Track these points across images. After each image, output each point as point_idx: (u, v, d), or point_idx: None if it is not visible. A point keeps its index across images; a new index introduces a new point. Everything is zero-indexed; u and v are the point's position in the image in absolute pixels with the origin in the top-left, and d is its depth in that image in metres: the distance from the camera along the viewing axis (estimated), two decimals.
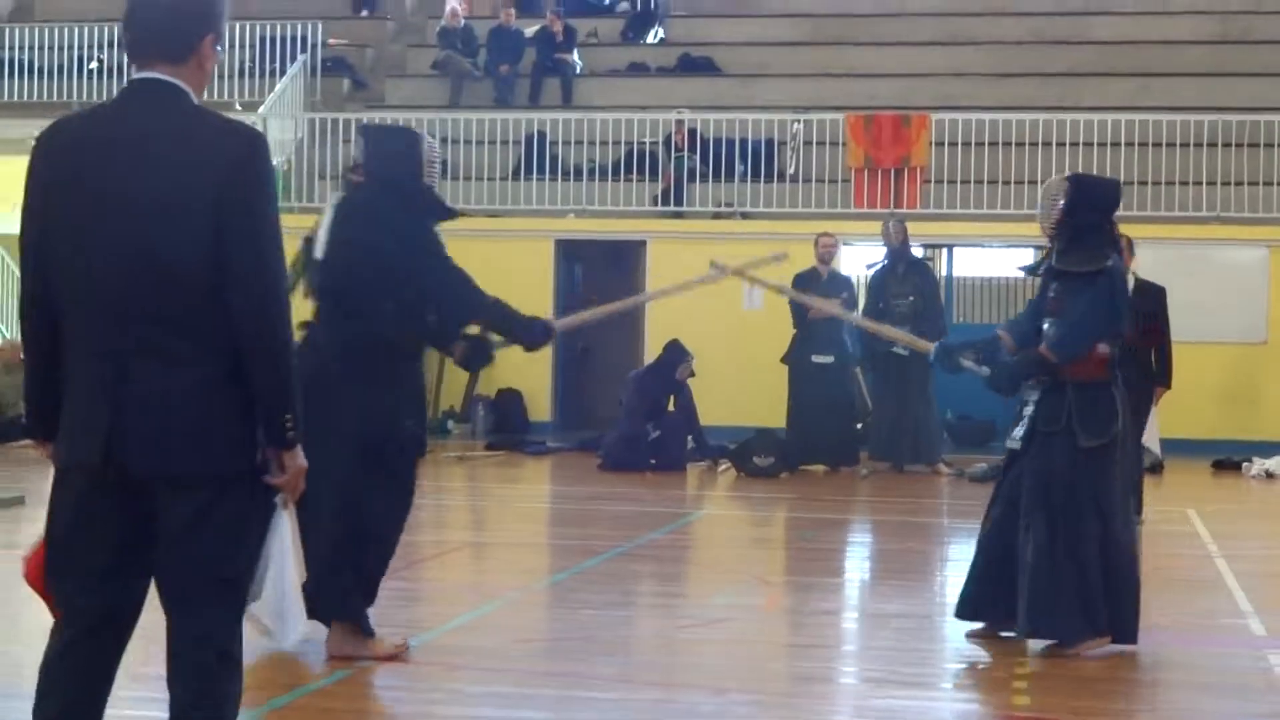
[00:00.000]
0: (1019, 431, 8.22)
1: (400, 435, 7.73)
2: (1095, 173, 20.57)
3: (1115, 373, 8.20)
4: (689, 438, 17.24)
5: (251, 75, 24.14)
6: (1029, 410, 8.20)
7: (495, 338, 8.19)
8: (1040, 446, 8.12)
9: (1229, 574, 10.73)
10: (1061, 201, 8.17)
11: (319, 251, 7.73)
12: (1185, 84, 22.75)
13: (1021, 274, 13.94)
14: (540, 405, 21.15)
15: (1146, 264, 19.94)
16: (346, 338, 7.55)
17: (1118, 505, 8.13)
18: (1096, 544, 8.00)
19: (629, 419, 17.13)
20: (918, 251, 18.96)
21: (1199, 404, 19.63)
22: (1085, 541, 7.98)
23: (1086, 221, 8.16)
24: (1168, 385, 13.20)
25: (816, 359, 16.89)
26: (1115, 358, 8.20)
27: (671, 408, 17.28)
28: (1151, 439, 13.74)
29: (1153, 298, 13.24)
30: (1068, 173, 8.80)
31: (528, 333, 8.20)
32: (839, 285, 17.15)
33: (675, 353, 17.38)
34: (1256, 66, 23.10)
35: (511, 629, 8.71)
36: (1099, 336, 8.11)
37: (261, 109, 21.96)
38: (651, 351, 19.63)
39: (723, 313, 19.39)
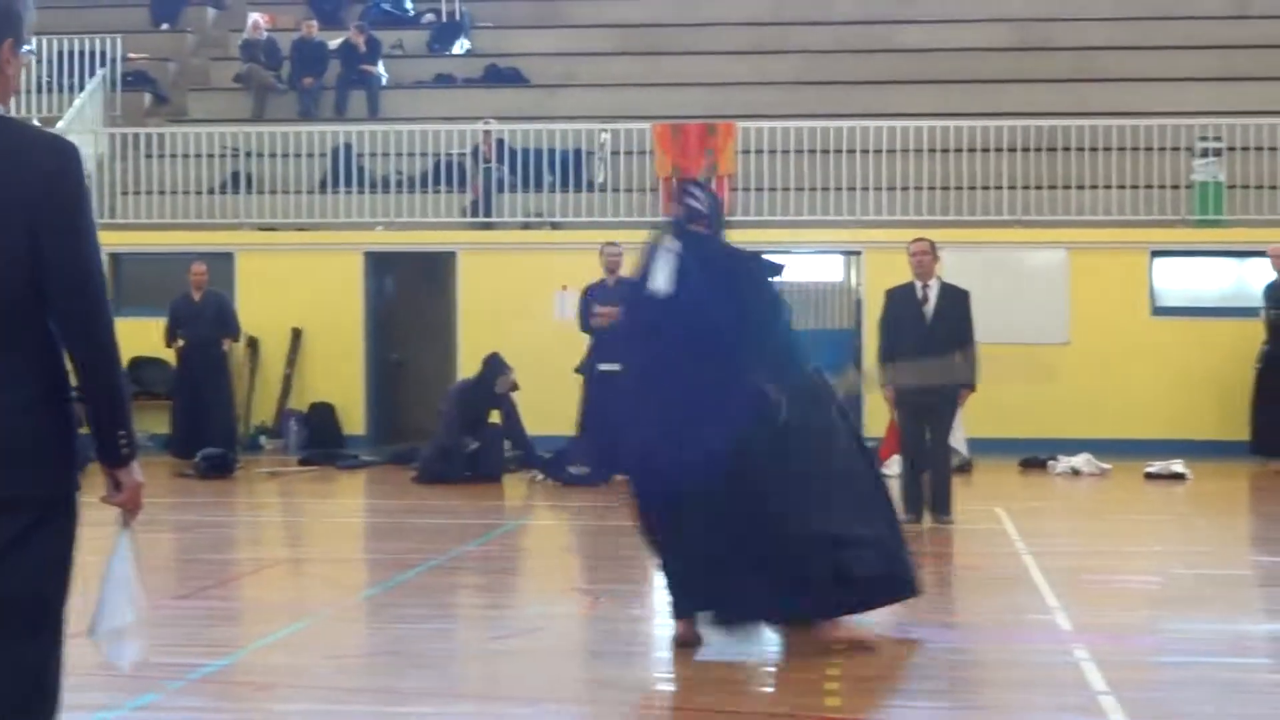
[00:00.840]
0: None
1: None
2: (905, 180, 20.98)
3: None
4: (510, 447, 17.27)
5: (49, 90, 23.65)
6: None
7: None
8: None
9: (1036, 570, 10.93)
10: None
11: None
12: (986, 91, 23.19)
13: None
14: (353, 419, 20.94)
15: (951, 268, 20.33)
16: None
17: None
18: None
19: (446, 431, 17.06)
20: None
21: (1006, 404, 19.98)
22: None
23: None
24: (973, 387, 13.43)
25: (603, 367, 16.97)
26: None
27: (497, 420, 17.26)
28: (958, 440, 13.98)
29: (958, 301, 13.47)
30: None
31: None
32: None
33: (495, 366, 17.35)
34: (1054, 73, 23.60)
35: (323, 646, 8.60)
36: None
37: (60, 124, 21.49)
38: (465, 364, 19.57)
39: (535, 323, 19.37)
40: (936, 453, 13.38)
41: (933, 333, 13.21)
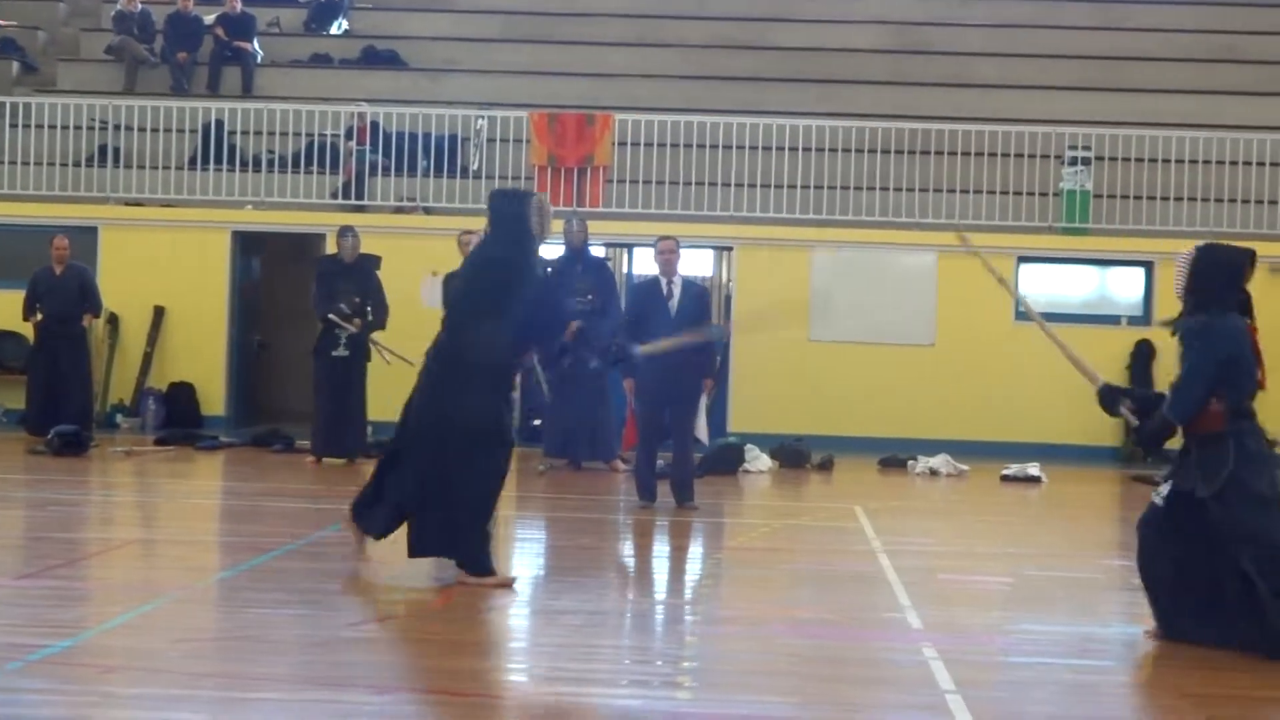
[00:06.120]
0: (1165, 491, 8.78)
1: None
2: (780, 178, 21.06)
3: (1239, 423, 8.53)
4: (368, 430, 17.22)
5: None
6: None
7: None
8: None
9: (890, 569, 11.02)
10: (1188, 268, 8.66)
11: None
12: (862, 92, 23.35)
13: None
14: (213, 399, 20.71)
15: (821, 268, 20.47)
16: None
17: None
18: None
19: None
20: (598, 251, 19.11)
21: (869, 404, 20.17)
22: None
23: (1210, 286, 8.60)
24: (712, 376, 14.46)
25: None
26: (1236, 409, 8.55)
27: None
28: (700, 429, 14.27)
29: (696, 297, 14.28)
30: (1200, 242, 9.11)
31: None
32: None
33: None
34: (932, 77, 23.82)
35: (172, 629, 8.46)
36: (1204, 394, 8.49)
37: None
38: None
39: (405, 309, 19.19)
40: (679, 441, 13.95)
41: (678, 327, 13.70)
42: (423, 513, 9.94)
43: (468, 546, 9.86)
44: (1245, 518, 8.41)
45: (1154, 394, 9.17)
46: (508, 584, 9.91)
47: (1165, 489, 8.78)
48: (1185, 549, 8.64)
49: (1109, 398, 9.10)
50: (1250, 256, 8.89)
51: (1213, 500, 8.44)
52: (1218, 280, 8.65)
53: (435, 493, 9.84)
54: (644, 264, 20.69)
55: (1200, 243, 9.13)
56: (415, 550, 10.07)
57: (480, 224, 18.60)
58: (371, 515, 10.42)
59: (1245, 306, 8.73)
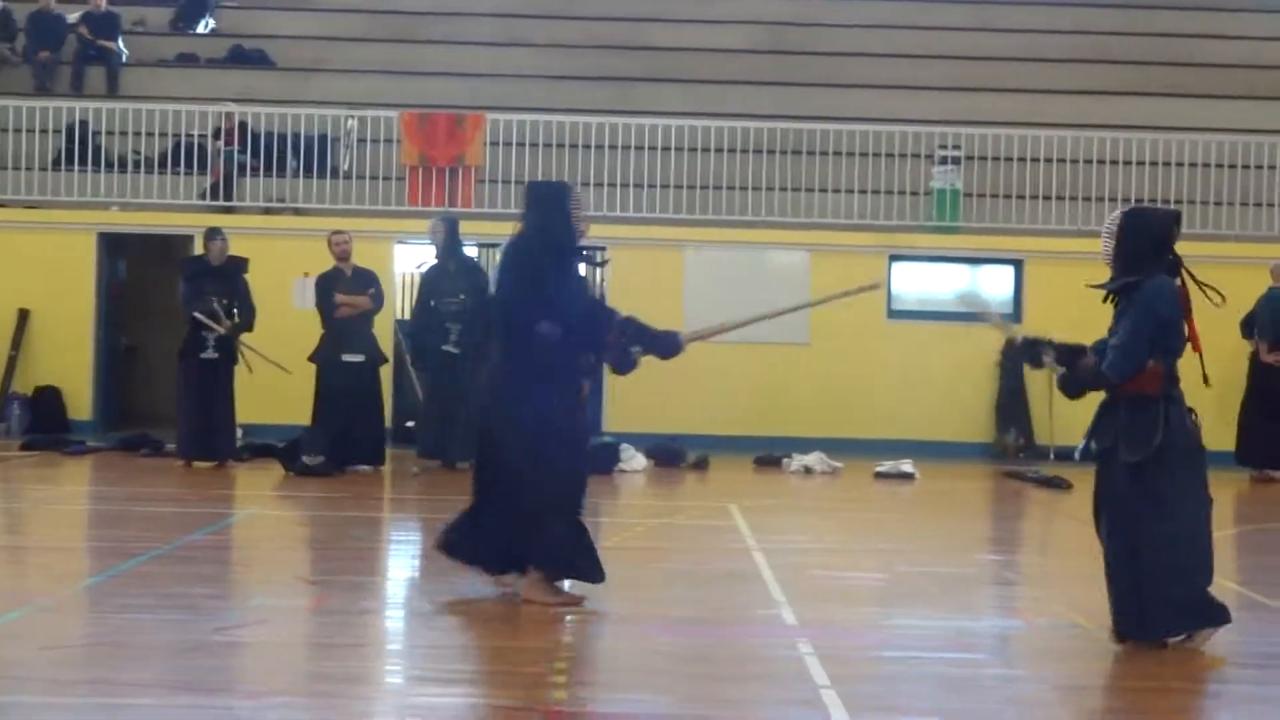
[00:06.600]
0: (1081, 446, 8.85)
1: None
2: (652, 178, 21.09)
3: (1170, 388, 8.62)
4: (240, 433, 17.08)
5: None
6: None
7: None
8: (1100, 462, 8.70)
9: (765, 566, 11.05)
10: (1116, 233, 8.74)
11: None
12: (736, 91, 23.43)
13: None
14: (80, 403, 20.41)
15: (694, 267, 20.51)
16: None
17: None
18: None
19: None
20: (471, 251, 19.01)
21: (744, 403, 20.23)
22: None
23: (1139, 250, 8.66)
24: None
25: (347, 358, 16.82)
26: (1170, 373, 8.63)
27: None
28: None
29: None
30: (1125, 207, 9.14)
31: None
32: (365, 281, 17.07)
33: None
34: (803, 77, 23.95)
35: (39, 636, 8.33)
36: (1145, 354, 8.55)
37: None
38: None
39: (273, 310, 18.98)
40: None
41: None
42: (507, 522, 9.53)
43: (547, 542, 9.47)
44: (1155, 490, 8.52)
45: (1076, 345, 9.26)
46: (575, 602, 9.48)
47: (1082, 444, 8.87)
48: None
49: (1031, 350, 9.17)
50: (1176, 217, 9.01)
51: (1133, 466, 8.53)
52: (1146, 244, 8.72)
53: (507, 498, 9.48)
54: None
55: (1126, 208, 9.22)
56: (501, 562, 9.65)
57: (352, 224, 18.60)
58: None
59: (1174, 268, 8.81)
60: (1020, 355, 9.36)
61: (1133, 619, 8.53)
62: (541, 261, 9.49)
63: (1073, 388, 9.01)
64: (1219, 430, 18.70)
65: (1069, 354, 9.01)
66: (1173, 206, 21.02)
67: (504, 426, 9.44)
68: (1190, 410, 8.70)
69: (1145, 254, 8.71)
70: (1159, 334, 8.58)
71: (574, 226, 9.64)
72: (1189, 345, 8.72)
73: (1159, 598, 8.47)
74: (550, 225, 9.57)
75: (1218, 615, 8.62)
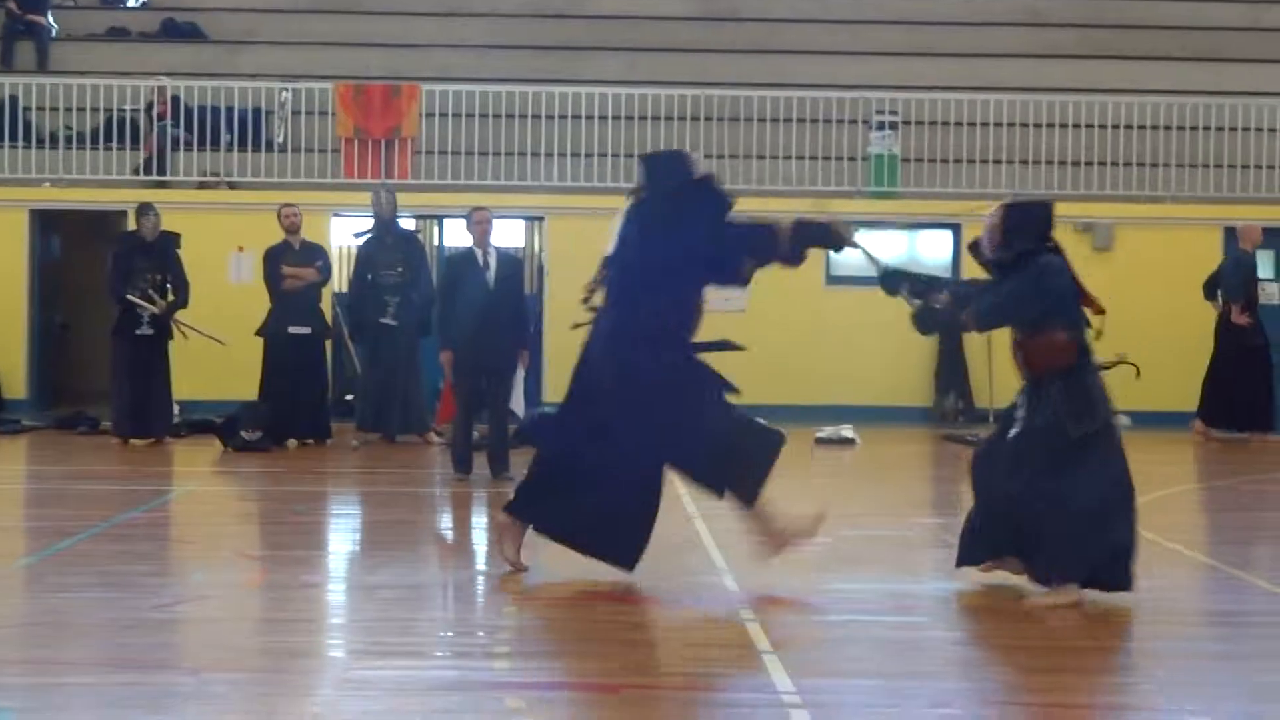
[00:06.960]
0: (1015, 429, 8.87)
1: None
2: (590, 147, 21.00)
3: (1085, 359, 8.75)
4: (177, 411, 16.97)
5: None
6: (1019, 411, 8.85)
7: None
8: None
9: (707, 534, 11.06)
10: (999, 225, 8.88)
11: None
12: (673, 59, 23.37)
13: None
14: (14, 382, 20.21)
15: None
16: None
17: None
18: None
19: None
20: (408, 223, 18.93)
21: None
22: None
23: (1025, 240, 8.83)
24: (527, 346, 14.30)
25: (294, 330, 16.74)
26: (1082, 344, 8.75)
27: None
28: (516, 400, 14.25)
29: (512, 265, 14.36)
30: (1005, 200, 9.25)
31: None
32: (313, 254, 17.04)
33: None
34: (740, 43, 23.91)
35: None
36: (1013, 320, 8.76)
37: None
38: None
39: (210, 285, 18.86)
40: (495, 413, 13.98)
41: (496, 299, 13.83)
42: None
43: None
44: (1074, 454, 8.62)
45: (931, 277, 9.42)
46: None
47: (1016, 427, 8.87)
48: (1028, 483, 8.74)
49: (889, 279, 9.49)
50: (1051, 206, 9.18)
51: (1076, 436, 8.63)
52: (1031, 233, 8.87)
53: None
54: (454, 235, 20.59)
55: (1003, 202, 9.31)
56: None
57: (287, 197, 18.46)
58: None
59: (1058, 254, 8.93)
60: (882, 287, 9.61)
61: (1054, 565, 8.69)
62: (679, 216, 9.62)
63: (926, 324, 9.26)
64: (1182, 391, 18.92)
65: (925, 286, 9.15)
66: (1106, 168, 21.26)
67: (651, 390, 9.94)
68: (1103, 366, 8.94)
69: (1031, 243, 8.86)
70: (1056, 307, 8.72)
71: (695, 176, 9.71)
72: (1090, 310, 8.87)
73: (1078, 541, 8.61)
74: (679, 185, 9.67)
75: (1116, 579, 8.71)
